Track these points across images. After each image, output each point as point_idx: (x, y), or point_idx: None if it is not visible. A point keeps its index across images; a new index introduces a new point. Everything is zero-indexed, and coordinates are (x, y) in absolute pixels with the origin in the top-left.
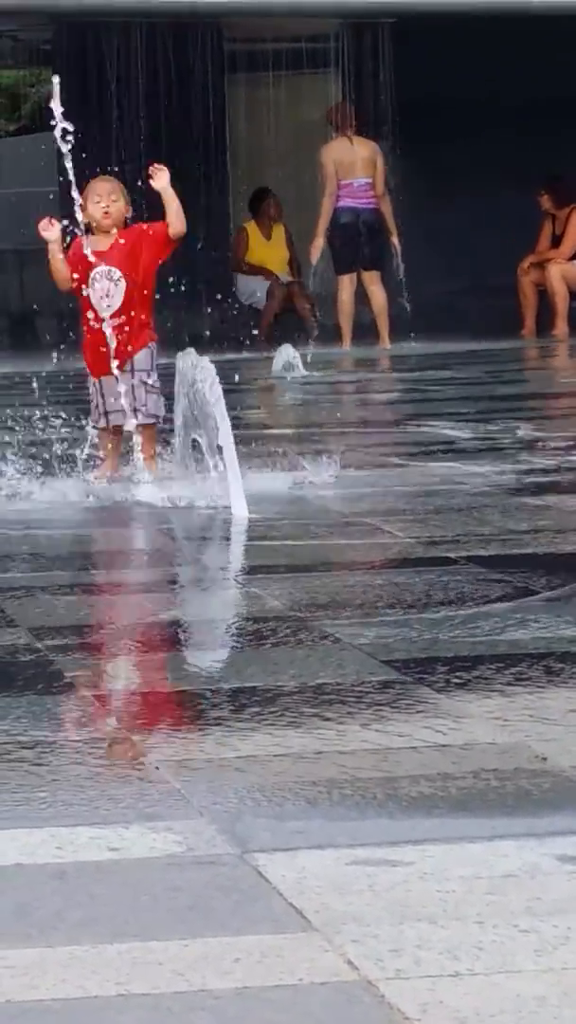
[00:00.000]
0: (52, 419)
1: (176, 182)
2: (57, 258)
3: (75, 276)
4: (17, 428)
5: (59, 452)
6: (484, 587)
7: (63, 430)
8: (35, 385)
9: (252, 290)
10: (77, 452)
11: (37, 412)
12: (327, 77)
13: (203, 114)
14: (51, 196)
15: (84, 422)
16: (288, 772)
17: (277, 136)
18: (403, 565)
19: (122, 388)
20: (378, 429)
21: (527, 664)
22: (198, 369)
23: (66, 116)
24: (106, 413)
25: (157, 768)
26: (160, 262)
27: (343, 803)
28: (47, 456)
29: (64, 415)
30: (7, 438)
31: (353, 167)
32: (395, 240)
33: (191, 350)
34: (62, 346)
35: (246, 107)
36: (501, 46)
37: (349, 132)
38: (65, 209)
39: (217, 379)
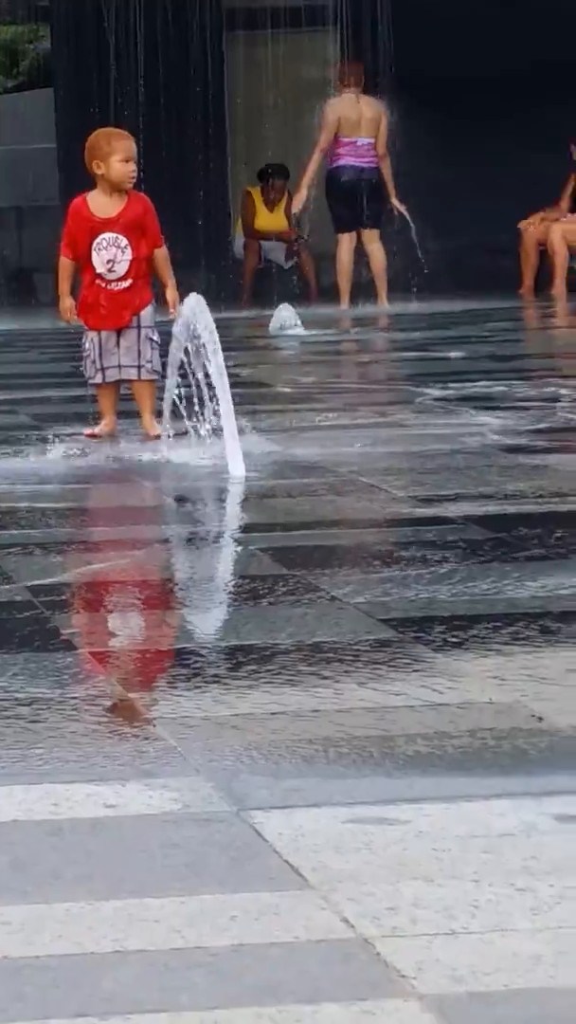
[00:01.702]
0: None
1: (175, 138)
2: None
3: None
4: (17, 386)
5: (58, 410)
6: (482, 546)
7: (62, 388)
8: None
9: (268, 249)
10: (78, 409)
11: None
12: (326, 35)
13: (202, 72)
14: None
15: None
16: (285, 730)
17: (276, 94)
18: (401, 524)
19: (126, 342)
20: (374, 388)
21: (524, 624)
22: (199, 315)
23: (64, 73)
24: (103, 369)
25: (154, 725)
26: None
27: (340, 761)
28: (47, 414)
29: (63, 371)
30: (8, 395)
31: (357, 125)
32: (396, 202)
33: (196, 296)
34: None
35: (245, 65)
36: (505, 4)
37: (355, 90)
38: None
39: (215, 331)
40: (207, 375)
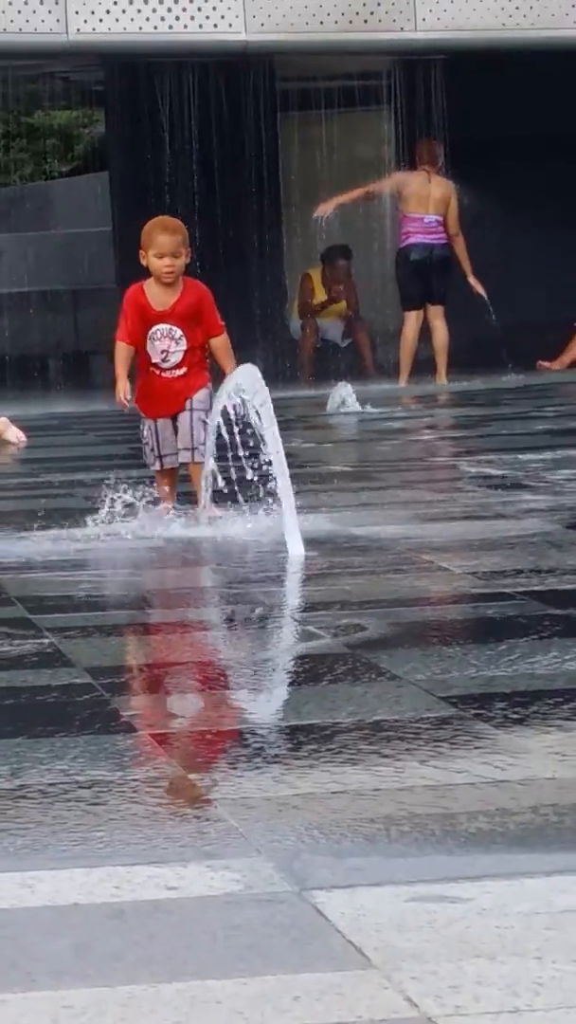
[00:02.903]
0: (109, 458)
1: (230, 219)
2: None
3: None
4: (73, 469)
5: (118, 495)
6: (541, 622)
7: (120, 472)
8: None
9: (325, 329)
10: (134, 494)
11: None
12: (380, 114)
13: (256, 153)
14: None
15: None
16: (346, 809)
17: (330, 173)
18: (460, 600)
19: (181, 426)
20: (433, 465)
21: None
22: (253, 385)
23: (119, 157)
24: (161, 456)
25: (215, 806)
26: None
27: (401, 840)
28: (105, 496)
29: (121, 454)
30: (66, 478)
31: (426, 202)
32: (473, 281)
33: (250, 366)
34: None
35: (299, 145)
36: (554, 80)
37: (429, 168)
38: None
39: (270, 401)
40: (262, 450)
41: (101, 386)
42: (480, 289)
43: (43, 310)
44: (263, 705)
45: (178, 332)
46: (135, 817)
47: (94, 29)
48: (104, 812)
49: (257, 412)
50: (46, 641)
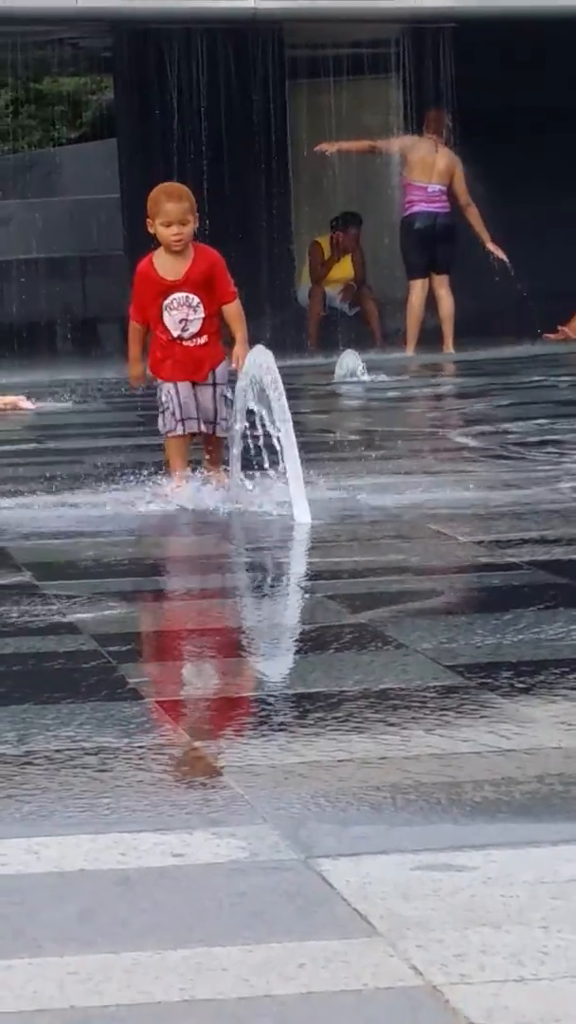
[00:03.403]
0: (118, 425)
1: (239, 187)
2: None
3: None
4: (82, 435)
5: (124, 459)
6: (547, 591)
7: (127, 438)
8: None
9: (332, 297)
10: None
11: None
12: (388, 82)
13: (264, 120)
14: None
15: (149, 429)
16: (352, 777)
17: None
18: (466, 570)
19: (203, 400)
20: (440, 434)
21: None
22: (265, 370)
23: (127, 124)
24: (183, 420)
25: (221, 774)
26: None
27: (407, 808)
28: (119, 463)
29: (129, 420)
30: (80, 444)
31: (431, 171)
32: (492, 246)
33: (262, 348)
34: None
35: (308, 113)
36: (563, 50)
37: (436, 138)
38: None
39: (280, 381)
40: (274, 424)
41: (110, 353)
42: (501, 254)
43: (51, 277)
44: (269, 673)
45: (195, 299)
46: (141, 784)
47: None
48: (110, 779)
49: (265, 390)
50: (53, 608)
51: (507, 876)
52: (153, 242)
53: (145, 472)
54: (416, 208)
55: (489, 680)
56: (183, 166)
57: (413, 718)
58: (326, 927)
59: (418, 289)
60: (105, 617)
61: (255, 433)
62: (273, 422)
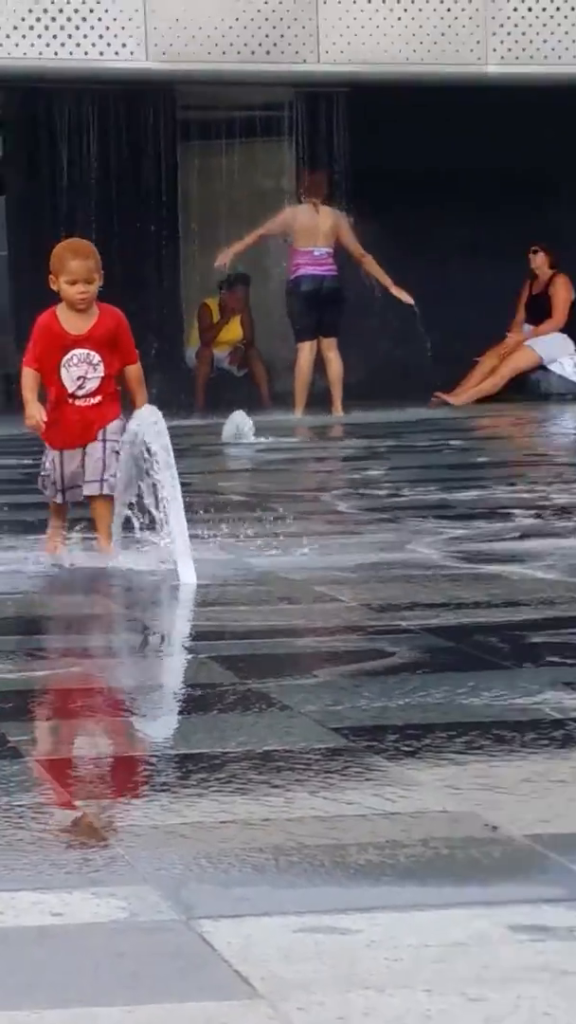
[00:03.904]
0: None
1: (128, 248)
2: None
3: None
4: None
5: (5, 518)
6: (435, 655)
7: (8, 495)
8: None
9: (220, 359)
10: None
11: None
12: (281, 145)
13: (155, 181)
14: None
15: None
16: (235, 839)
17: (231, 203)
18: (353, 632)
19: (90, 457)
20: (327, 496)
21: (478, 733)
22: (153, 428)
23: (15, 181)
24: (63, 490)
25: (102, 834)
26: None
27: (290, 870)
28: None
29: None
30: None
31: (315, 235)
32: (397, 291)
33: (151, 408)
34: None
35: (199, 174)
36: (454, 116)
37: (315, 200)
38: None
39: (168, 440)
40: (159, 484)
41: None
42: (406, 297)
43: None
44: (152, 733)
45: (96, 357)
46: (20, 843)
47: None
48: None
49: (151, 451)
50: None
51: (391, 939)
52: (38, 301)
53: (25, 531)
54: (301, 271)
55: (375, 743)
56: (72, 226)
57: (297, 780)
58: (207, 988)
59: (306, 351)
60: None
61: (139, 494)
62: (159, 483)
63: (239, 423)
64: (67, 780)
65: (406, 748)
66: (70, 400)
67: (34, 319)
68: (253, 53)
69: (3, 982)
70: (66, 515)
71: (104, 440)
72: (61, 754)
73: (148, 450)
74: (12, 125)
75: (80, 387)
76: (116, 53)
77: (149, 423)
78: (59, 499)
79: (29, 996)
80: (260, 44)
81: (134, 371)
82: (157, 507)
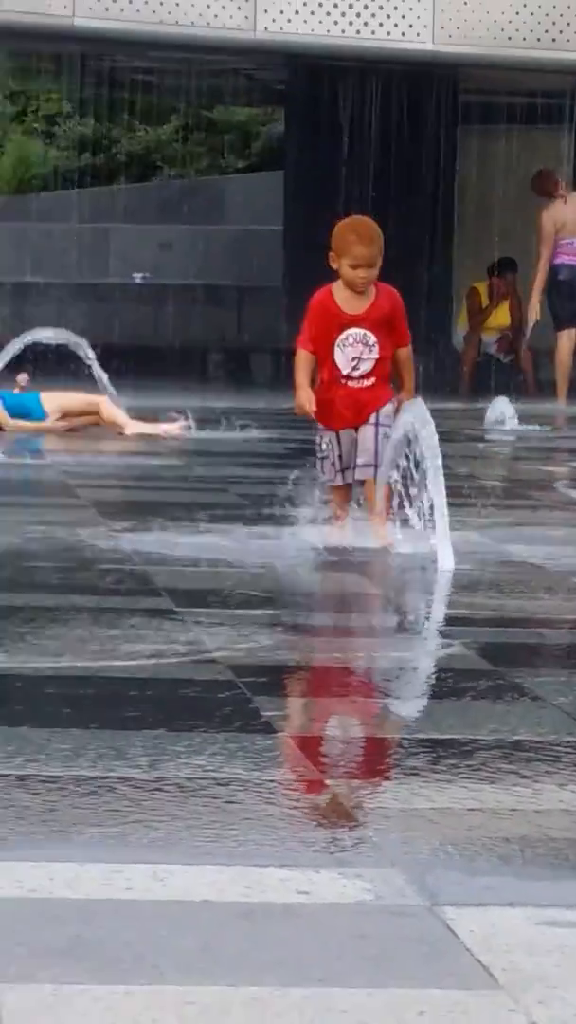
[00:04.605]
0: (268, 455)
1: (402, 228)
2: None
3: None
4: (231, 463)
5: (272, 491)
6: None
7: (275, 469)
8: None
9: (488, 343)
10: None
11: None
12: (560, 133)
13: (433, 163)
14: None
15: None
16: (482, 827)
17: (506, 189)
18: None
19: (363, 440)
20: None
21: None
22: (421, 423)
23: (295, 157)
24: (342, 471)
25: (351, 814)
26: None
27: (535, 862)
28: (267, 495)
29: (279, 452)
30: (228, 472)
31: (570, 226)
32: None
33: (419, 401)
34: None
35: (477, 158)
36: None
37: (563, 192)
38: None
39: (435, 436)
40: (423, 470)
41: (261, 383)
42: None
43: (208, 304)
44: (404, 717)
45: (372, 338)
46: (270, 818)
47: (281, 28)
48: (239, 811)
49: (419, 439)
50: (191, 635)
51: None
52: (311, 277)
53: (292, 505)
54: (559, 260)
55: None
56: (348, 203)
57: (546, 771)
58: (448, 976)
59: (564, 339)
60: (243, 648)
61: (403, 476)
62: (424, 470)
63: (502, 409)
64: (318, 758)
65: None
66: (343, 381)
67: (305, 295)
68: (539, 40)
69: (248, 958)
70: (348, 497)
71: (377, 424)
72: (312, 732)
73: (416, 437)
74: (295, 102)
75: (355, 368)
76: (403, 34)
77: (422, 418)
78: (339, 480)
79: (272, 972)
80: (547, 31)
81: (404, 353)
82: (419, 491)
